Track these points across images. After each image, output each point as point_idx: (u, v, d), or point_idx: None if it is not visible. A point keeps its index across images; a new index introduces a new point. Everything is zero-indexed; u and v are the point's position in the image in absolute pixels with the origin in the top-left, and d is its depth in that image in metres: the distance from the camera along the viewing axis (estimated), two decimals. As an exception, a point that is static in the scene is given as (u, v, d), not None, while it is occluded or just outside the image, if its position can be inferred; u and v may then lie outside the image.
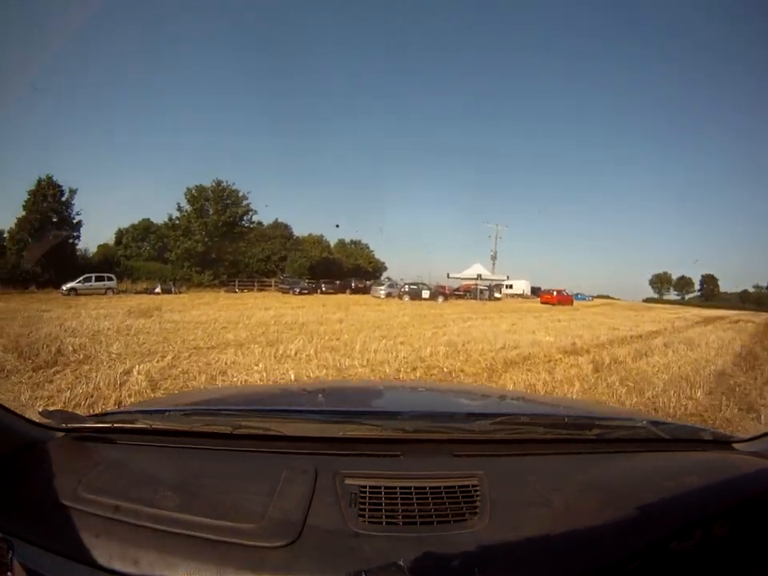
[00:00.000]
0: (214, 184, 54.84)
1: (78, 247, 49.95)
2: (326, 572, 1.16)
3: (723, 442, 1.98)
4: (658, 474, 1.64)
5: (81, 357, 9.67)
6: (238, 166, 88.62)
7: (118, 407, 6.03)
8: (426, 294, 46.02)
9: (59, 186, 45.89)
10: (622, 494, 1.49)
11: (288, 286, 49.52)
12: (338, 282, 55.20)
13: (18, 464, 1.55)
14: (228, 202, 55.30)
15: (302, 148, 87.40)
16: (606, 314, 36.43)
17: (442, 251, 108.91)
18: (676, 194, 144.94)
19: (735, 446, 1.94)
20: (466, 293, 54.05)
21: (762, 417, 7.14)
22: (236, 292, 48.99)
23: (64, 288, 38.09)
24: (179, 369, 8.66)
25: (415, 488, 1.48)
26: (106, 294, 38.77)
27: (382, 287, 49.65)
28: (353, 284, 55.86)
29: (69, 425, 1.76)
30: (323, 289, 51.49)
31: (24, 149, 72.34)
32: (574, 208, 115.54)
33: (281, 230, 63.85)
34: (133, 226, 65.66)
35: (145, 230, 64.09)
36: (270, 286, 54.07)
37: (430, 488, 1.49)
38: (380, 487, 1.46)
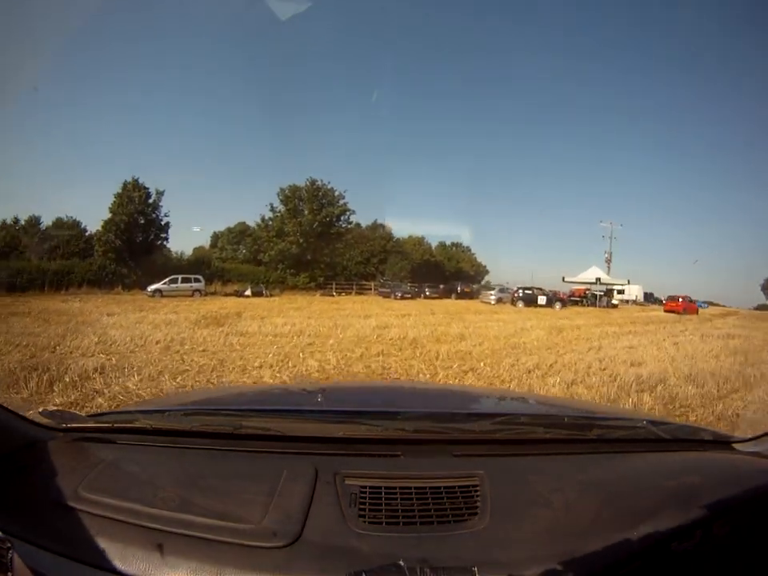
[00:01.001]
0: (308, 183, 52.17)
1: (172, 250, 49.80)
2: (326, 572, 1.17)
3: (723, 442, 1.97)
4: (658, 474, 1.65)
5: (77, 394, 7.11)
6: (333, 165, 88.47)
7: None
8: (542, 299, 41.45)
9: (146, 188, 44.76)
10: (622, 494, 1.51)
11: (389, 290, 46.64)
12: (441, 285, 51.62)
13: (18, 464, 1.55)
14: (323, 201, 51.90)
15: (411, 146, 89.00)
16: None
17: (543, 253, 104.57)
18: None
19: (735, 446, 1.93)
20: (582, 298, 49.52)
21: None
22: (333, 295, 46.43)
23: (149, 290, 36.72)
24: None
25: (415, 488, 1.49)
26: (192, 296, 37.39)
27: (492, 292, 46.41)
28: (458, 288, 51.70)
29: (69, 425, 1.76)
30: (427, 293, 48.45)
31: (115, 152, 73.32)
32: (681, 204, 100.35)
33: (380, 231, 60.83)
34: (228, 229, 65.35)
35: (240, 233, 63.41)
36: (370, 289, 52.12)
37: (430, 488, 1.50)
38: (380, 487, 1.47)
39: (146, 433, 1.75)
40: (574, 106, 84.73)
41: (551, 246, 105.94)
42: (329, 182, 52.13)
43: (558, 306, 40.21)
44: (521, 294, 42.48)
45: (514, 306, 40.16)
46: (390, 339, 14.23)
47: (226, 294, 40.81)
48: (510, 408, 2.61)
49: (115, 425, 1.81)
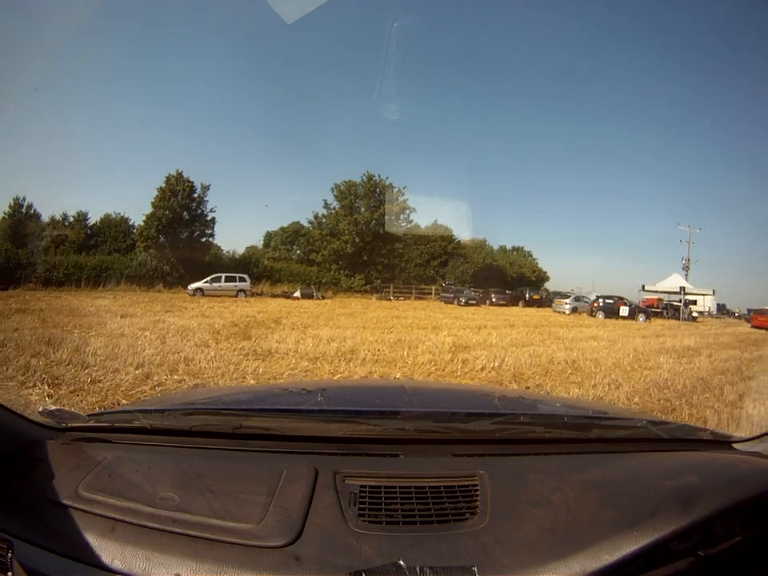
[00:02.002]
0: (364, 178, 49.34)
1: (223, 248, 48.19)
2: (326, 572, 1.18)
3: (723, 442, 2.00)
4: (658, 474, 1.65)
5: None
6: (391, 162, 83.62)
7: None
8: (624, 311, 36.31)
9: (190, 182, 42.70)
10: (622, 494, 1.51)
11: (451, 295, 42.89)
12: (508, 291, 47.17)
13: (18, 464, 1.57)
14: (381, 198, 48.95)
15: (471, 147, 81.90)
16: None
17: (606, 259, 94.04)
18: None
19: (735, 445, 1.96)
20: (663, 310, 44.07)
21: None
22: (390, 299, 43.81)
23: (189, 288, 35.17)
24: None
25: (415, 488, 1.50)
26: (236, 296, 35.25)
27: (567, 300, 41.62)
28: (527, 295, 47.41)
29: (69, 424, 1.79)
30: (493, 299, 44.09)
31: (166, 149, 71.86)
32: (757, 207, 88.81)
33: (441, 232, 55.58)
34: (282, 228, 64.51)
35: (294, 232, 62.10)
36: (430, 294, 48.11)
37: (430, 488, 1.51)
38: (380, 487, 1.49)
39: (145, 432, 1.77)
40: (645, 96, 75.95)
41: (615, 251, 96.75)
42: (387, 177, 49.09)
43: (641, 318, 35.33)
44: (601, 304, 37.48)
45: (593, 317, 35.65)
46: (481, 369, 10.04)
47: (274, 296, 38.64)
48: (510, 408, 2.48)
49: (115, 424, 1.86)
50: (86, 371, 7.61)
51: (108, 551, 1.23)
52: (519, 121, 79.81)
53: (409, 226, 50.52)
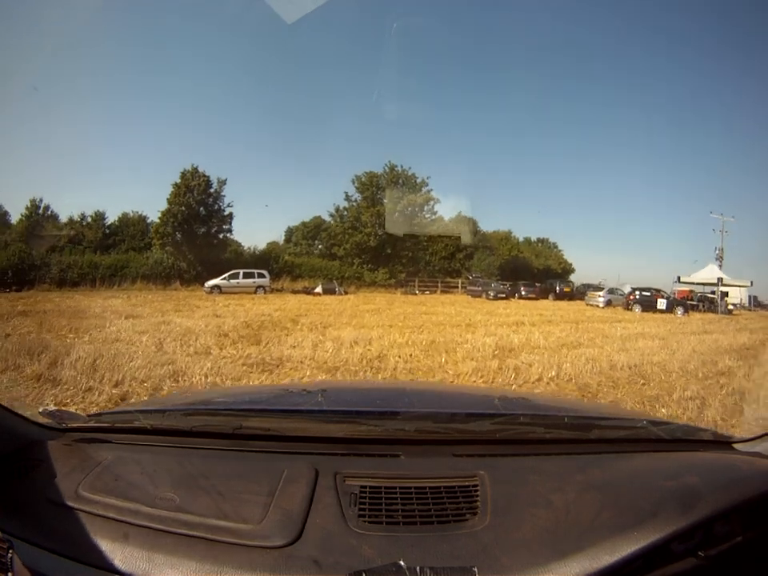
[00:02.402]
0: (386, 169, 47.85)
1: (244, 245, 48.22)
2: (326, 572, 1.19)
3: (723, 443, 2.01)
4: (658, 474, 1.66)
5: None
6: (412, 153, 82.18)
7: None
8: (662, 303, 34.80)
9: (206, 176, 42.18)
10: (622, 494, 1.52)
11: (479, 288, 41.70)
12: (537, 284, 45.97)
13: (18, 464, 1.59)
14: (404, 188, 47.25)
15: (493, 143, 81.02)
16: None
17: (634, 249, 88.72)
18: None
19: (735, 446, 1.96)
20: (699, 303, 41.61)
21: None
22: (415, 294, 42.74)
23: (206, 286, 34.72)
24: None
25: (415, 488, 1.51)
26: (255, 292, 34.77)
27: (601, 293, 39.86)
28: (557, 287, 45.72)
29: (69, 425, 1.81)
30: (522, 292, 42.77)
31: (183, 145, 73.73)
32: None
33: (465, 224, 53.26)
34: (303, 223, 63.37)
35: (316, 227, 60.60)
36: (456, 287, 47.13)
37: (430, 488, 1.52)
38: (380, 487, 1.50)
39: (145, 433, 1.79)
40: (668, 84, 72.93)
41: (641, 241, 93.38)
42: (410, 168, 47.71)
43: (680, 311, 34.08)
44: (638, 297, 36.05)
45: (629, 310, 34.37)
46: (538, 379, 8.86)
47: (294, 292, 37.97)
48: (510, 408, 2.34)
49: (115, 425, 1.88)
50: (55, 390, 6.83)
51: (108, 551, 1.24)
52: (541, 109, 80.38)
53: (433, 217, 49.05)
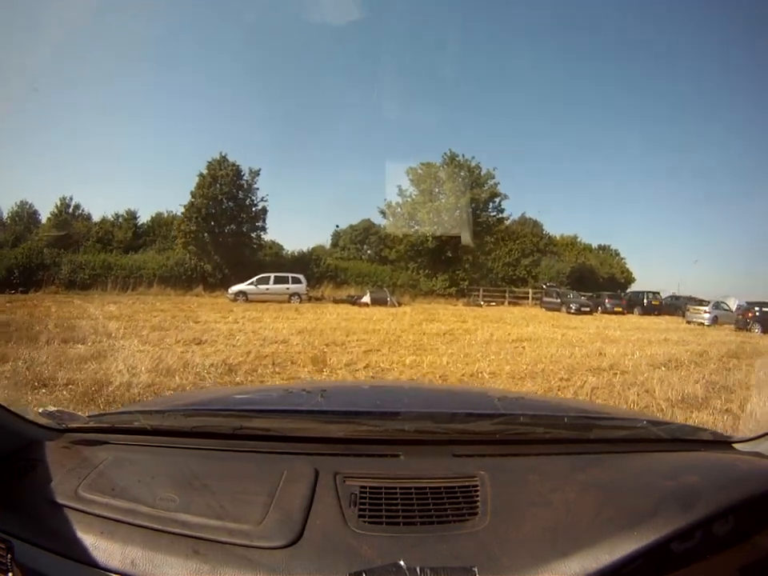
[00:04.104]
0: (446, 158, 42.84)
1: (286, 248, 45.15)
2: (326, 572, 1.21)
3: (723, 442, 2.03)
4: (658, 474, 1.67)
5: None
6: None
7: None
8: None
9: (236, 166, 39.22)
10: (622, 494, 1.54)
11: (557, 300, 37.98)
12: (624, 295, 42.71)
13: (18, 464, 1.62)
14: (467, 181, 41.59)
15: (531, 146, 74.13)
16: None
17: (699, 256, 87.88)
18: None
19: (735, 446, 1.97)
20: None
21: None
22: (480, 305, 38.67)
23: (230, 292, 31.77)
24: None
25: (415, 488, 1.53)
26: (289, 301, 31.58)
27: (706, 308, 34.35)
28: (645, 300, 41.12)
29: (69, 425, 1.85)
30: (607, 305, 38.56)
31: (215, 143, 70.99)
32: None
33: (530, 227, 51.08)
34: (351, 226, 58.47)
35: (365, 230, 56.28)
36: (525, 298, 43.63)
37: (430, 488, 1.54)
38: (380, 488, 1.52)
39: (145, 433, 1.83)
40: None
41: (707, 246, 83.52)
42: (473, 157, 43.11)
43: None
44: (758, 314, 29.63)
45: (747, 330, 28.38)
46: None
47: (337, 301, 34.17)
48: (510, 408, 2.41)
49: (115, 425, 1.91)
50: None
51: (108, 552, 1.26)
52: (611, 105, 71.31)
53: (501, 215, 44.48)
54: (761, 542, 1.41)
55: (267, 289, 31.67)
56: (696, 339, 20.61)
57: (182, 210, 37.57)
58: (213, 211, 36.55)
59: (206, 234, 36.34)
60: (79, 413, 1.97)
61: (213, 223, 36.38)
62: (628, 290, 44.69)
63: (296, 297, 32.05)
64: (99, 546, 1.26)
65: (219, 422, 1.88)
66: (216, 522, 1.32)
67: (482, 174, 42.67)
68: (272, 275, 32.82)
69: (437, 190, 42.13)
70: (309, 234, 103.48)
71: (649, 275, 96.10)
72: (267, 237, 42.29)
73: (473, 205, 41.21)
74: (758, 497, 1.44)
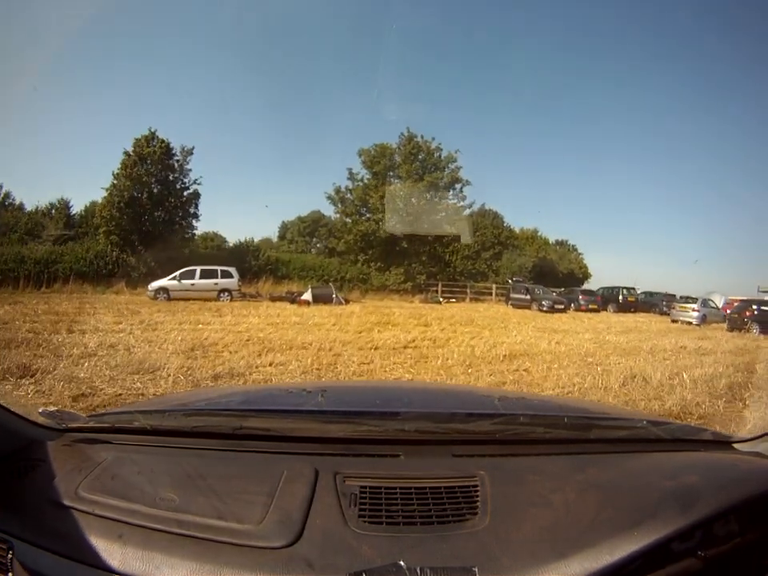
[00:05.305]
0: (403, 139, 40.46)
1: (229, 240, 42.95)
2: (326, 572, 1.23)
3: (723, 442, 2.10)
4: (658, 474, 1.72)
5: None
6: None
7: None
8: None
9: (165, 142, 35.25)
10: (622, 494, 1.57)
11: (526, 297, 35.84)
12: (597, 291, 41.38)
13: (18, 464, 1.65)
14: (426, 164, 39.73)
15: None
16: None
17: (655, 251, 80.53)
18: None
19: (735, 446, 2.05)
20: None
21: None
22: (440, 302, 36.73)
23: (150, 288, 28.31)
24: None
25: (415, 488, 1.55)
26: (218, 298, 28.20)
27: (694, 305, 32.59)
28: (620, 297, 39.41)
29: (69, 425, 1.90)
30: (580, 303, 36.60)
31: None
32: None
33: (490, 219, 47.56)
34: (299, 218, 57.79)
35: (314, 222, 55.71)
36: (489, 293, 41.39)
37: (430, 488, 1.56)
38: (380, 488, 1.54)
39: (145, 433, 1.87)
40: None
41: (663, 241, 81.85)
42: (433, 138, 41.11)
43: None
44: (756, 312, 27.22)
45: (745, 331, 25.50)
46: None
47: (274, 298, 30.53)
48: (510, 408, 2.48)
49: (115, 425, 1.94)
50: None
51: (108, 552, 1.28)
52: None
53: (462, 203, 42.04)
54: (761, 542, 1.47)
55: (192, 284, 28.42)
56: (714, 346, 18.03)
57: (104, 194, 34.12)
58: (138, 195, 33.33)
59: (128, 222, 32.68)
60: (79, 413, 2.07)
61: (136, 209, 32.87)
62: (600, 286, 42.52)
63: (226, 293, 28.87)
64: (99, 546, 1.28)
65: (219, 421, 1.92)
66: (216, 521, 1.35)
67: (443, 156, 40.23)
68: (198, 269, 29.30)
69: (391, 173, 39.94)
70: (258, 226, 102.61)
71: (604, 271, 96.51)
72: (211, 228, 40.45)
73: (431, 190, 39.18)
74: (758, 497, 1.49)
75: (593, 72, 71.00)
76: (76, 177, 72.15)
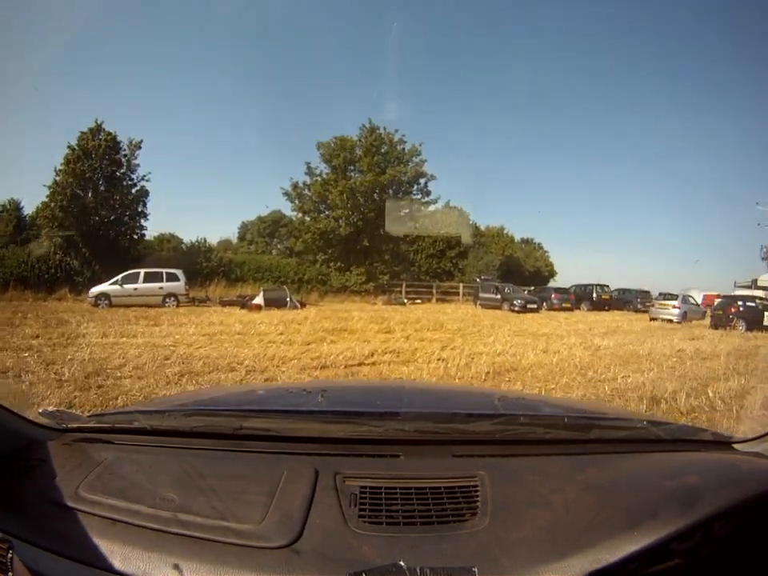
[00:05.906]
0: (364, 131, 39.22)
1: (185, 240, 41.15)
2: (326, 572, 1.25)
3: (723, 443, 2.11)
4: (658, 474, 1.73)
5: None
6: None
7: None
8: None
9: (112, 135, 33.45)
10: (622, 494, 1.60)
11: (497, 296, 35.17)
12: (570, 291, 40.64)
13: (18, 464, 1.67)
14: (389, 157, 38.25)
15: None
16: None
17: (621, 250, 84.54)
18: None
19: (735, 446, 2.05)
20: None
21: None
22: (404, 303, 35.95)
23: (91, 294, 26.44)
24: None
25: (415, 488, 1.58)
26: (164, 303, 26.39)
27: (675, 302, 32.03)
28: (594, 294, 39.66)
29: (69, 425, 1.93)
30: (553, 301, 36.87)
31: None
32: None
33: (455, 217, 45.99)
34: (260, 218, 57.20)
35: (274, 222, 54.63)
36: (456, 293, 40.88)
37: (430, 488, 1.59)
38: (380, 488, 1.56)
39: (145, 433, 1.90)
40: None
41: (628, 241, 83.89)
42: (396, 131, 39.97)
43: None
44: (741, 309, 27.04)
45: (731, 328, 24.80)
46: None
47: (224, 303, 28.91)
48: (510, 408, 2.53)
49: (115, 425, 1.99)
50: None
51: (108, 552, 1.29)
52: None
53: (427, 199, 41.42)
54: (761, 542, 1.50)
55: (135, 289, 26.66)
56: (710, 348, 16.84)
57: (47, 193, 32.46)
58: (82, 193, 31.66)
59: (73, 222, 31.10)
60: (79, 413, 2.20)
61: (80, 207, 31.12)
62: (572, 284, 41.33)
63: (172, 299, 27.08)
64: (99, 546, 1.30)
65: (219, 421, 1.95)
66: (216, 522, 1.37)
67: (407, 150, 39.23)
68: (141, 272, 27.66)
69: (352, 167, 38.86)
70: (219, 227, 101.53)
71: (567, 268, 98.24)
72: (168, 230, 39.07)
73: (394, 186, 38.32)
74: (758, 497, 1.49)
75: (570, 68, 70.26)
76: (30, 176, 70.38)
